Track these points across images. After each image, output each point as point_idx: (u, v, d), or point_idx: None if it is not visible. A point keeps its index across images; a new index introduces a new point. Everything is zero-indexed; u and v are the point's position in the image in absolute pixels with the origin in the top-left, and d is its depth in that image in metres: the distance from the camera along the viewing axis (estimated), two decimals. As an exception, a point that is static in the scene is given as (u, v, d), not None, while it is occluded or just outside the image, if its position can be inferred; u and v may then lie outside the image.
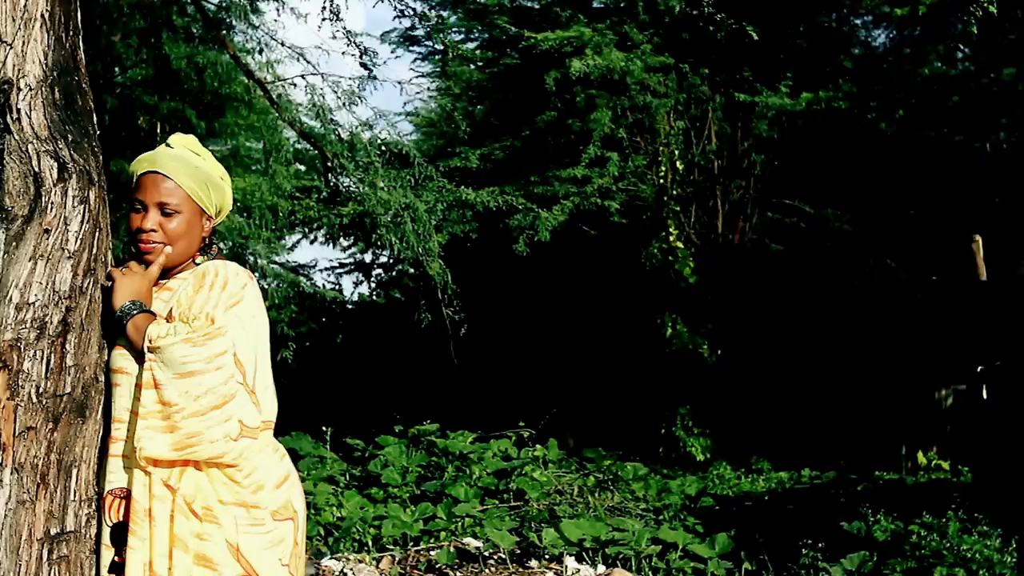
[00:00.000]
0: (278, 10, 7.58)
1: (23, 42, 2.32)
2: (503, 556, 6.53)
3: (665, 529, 7.26)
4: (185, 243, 2.41)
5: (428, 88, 19.13)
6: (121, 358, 2.35)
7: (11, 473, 2.24)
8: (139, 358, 2.32)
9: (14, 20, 2.31)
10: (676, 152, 13.81)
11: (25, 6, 2.33)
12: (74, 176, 2.32)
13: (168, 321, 2.32)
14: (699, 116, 13.88)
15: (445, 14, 16.87)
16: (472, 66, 17.34)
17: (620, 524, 7.17)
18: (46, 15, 2.35)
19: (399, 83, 11.97)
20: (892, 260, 13.95)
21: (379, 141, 7.95)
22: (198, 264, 2.45)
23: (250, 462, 2.30)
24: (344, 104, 8.41)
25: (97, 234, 2.37)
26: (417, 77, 19.15)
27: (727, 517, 7.86)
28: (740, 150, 13.92)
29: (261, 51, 8.14)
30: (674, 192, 13.92)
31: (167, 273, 2.44)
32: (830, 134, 13.53)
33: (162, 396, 2.24)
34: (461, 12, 16.80)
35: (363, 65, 6.12)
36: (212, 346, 2.24)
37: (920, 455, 10.60)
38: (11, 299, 2.26)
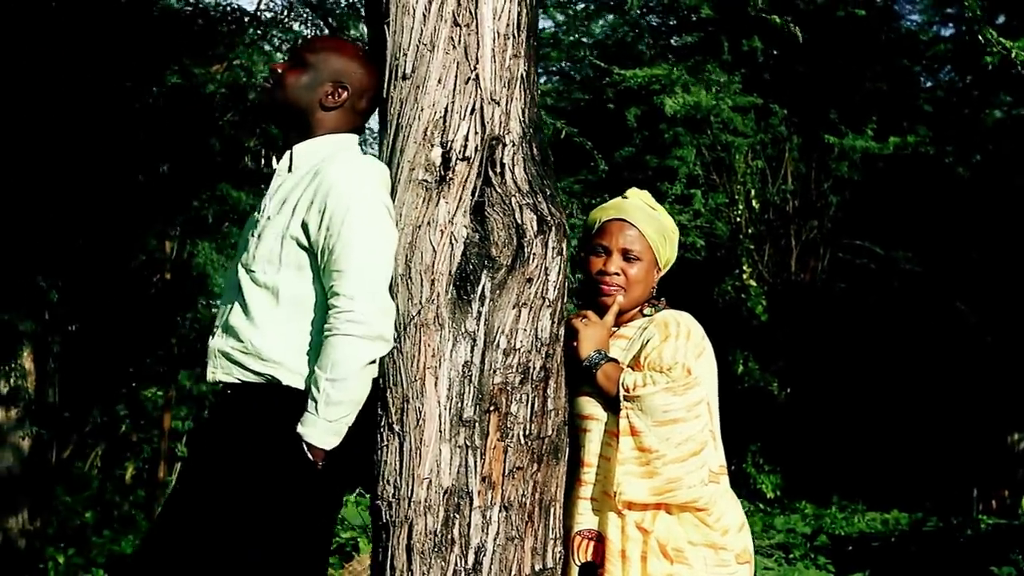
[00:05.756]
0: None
1: (507, 100, 2.45)
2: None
3: (800, 568, 7.34)
4: (640, 290, 2.53)
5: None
6: (589, 404, 2.46)
7: (500, 511, 2.35)
8: (608, 405, 2.43)
9: (501, 79, 2.45)
10: (753, 191, 13.98)
11: (509, 67, 2.46)
12: (553, 229, 2.44)
13: (635, 369, 2.44)
14: (775, 156, 14.05)
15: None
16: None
17: (760, 563, 7.26)
18: (524, 75, 2.49)
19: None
20: (962, 303, 14.08)
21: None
22: (646, 314, 2.57)
23: (718, 506, 2.41)
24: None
25: (566, 284, 2.49)
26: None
27: (851, 557, 7.94)
28: (818, 190, 14.08)
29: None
30: (749, 230, 14.07)
31: (616, 321, 2.56)
32: (908, 177, 13.70)
33: (641, 443, 2.35)
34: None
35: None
36: (691, 395, 2.36)
37: (1024, 501, 10.67)
38: (499, 344, 2.38)
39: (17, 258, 6.96)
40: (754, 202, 14.08)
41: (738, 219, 13.98)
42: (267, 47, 10.25)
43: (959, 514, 11.76)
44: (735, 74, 12.74)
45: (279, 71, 2.42)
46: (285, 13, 8.69)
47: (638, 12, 13.92)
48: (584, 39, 14.86)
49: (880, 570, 7.38)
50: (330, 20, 8.38)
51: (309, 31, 8.66)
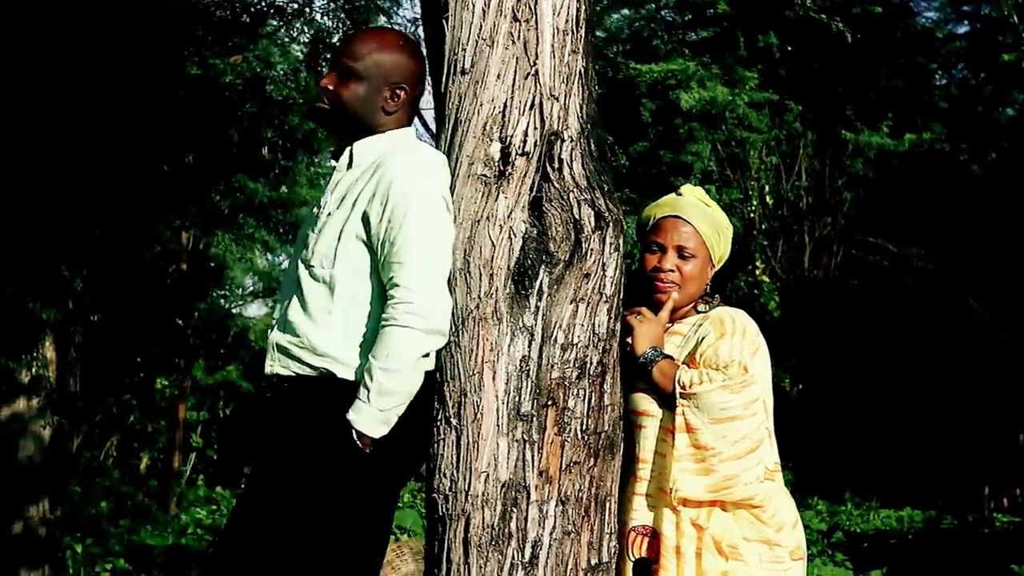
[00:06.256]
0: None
1: (565, 96, 2.46)
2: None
3: (819, 564, 7.35)
4: (695, 287, 2.54)
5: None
6: (644, 401, 2.47)
7: (556, 505, 2.36)
8: (664, 402, 2.44)
9: (560, 75, 2.45)
10: (767, 187, 13.97)
11: (568, 63, 2.47)
12: (610, 225, 2.45)
13: (690, 366, 2.44)
14: (789, 152, 14.04)
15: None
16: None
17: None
18: (583, 71, 2.49)
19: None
20: (975, 301, 14.07)
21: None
22: (700, 311, 2.57)
23: (773, 503, 2.42)
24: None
25: (623, 279, 2.50)
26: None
27: (868, 553, 7.95)
28: (832, 187, 14.08)
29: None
30: (762, 227, 14.07)
31: (670, 317, 2.56)
32: (923, 174, 13.69)
33: (697, 440, 2.36)
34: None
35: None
36: (748, 393, 2.37)
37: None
38: (556, 339, 2.39)
39: (40, 248, 6.98)
40: (768, 198, 14.06)
41: (752, 215, 13.97)
42: (285, 38, 10.26)
43: (971, 511, 11.77)
44: (753, 69, 12.73)
45: (331, 87, 2.39)
46: (306, 3, 8.70)
47: (654, 6, 13.92)
48: (599, 32, 14.83)
49: (898, 567, 7.39)
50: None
51: (331, 22, 8.67)
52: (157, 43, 7.58)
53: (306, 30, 9.00)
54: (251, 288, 14.96)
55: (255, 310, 17.94)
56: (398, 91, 2.40)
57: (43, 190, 6.97)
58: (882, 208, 14.39)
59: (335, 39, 8.78)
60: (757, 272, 14.08)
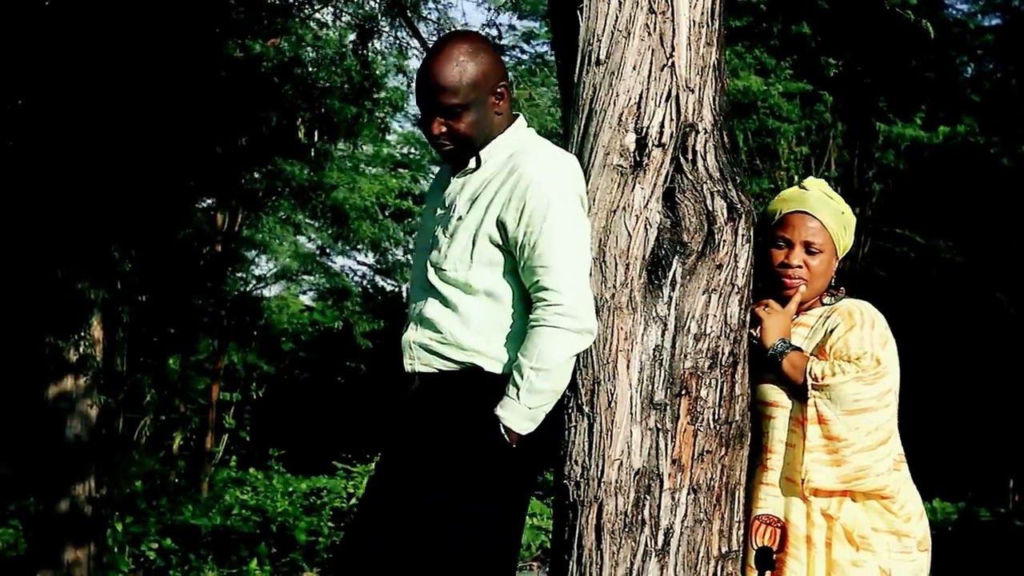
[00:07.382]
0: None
1: (700, 88, 2.47)
2: None
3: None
4: (821, 282, 2.56)
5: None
6: (774, 392, 2.49)
7: (688, 493, 2.39)
8: (793, 393, 2.46)
9: (695, 67, 2.47)
10: (796, 177, 13.94)
11: (703, 55, 2.48)
12: (742, 216, 2.47)
13: (819, 358, 2.46)
14: (819, 142, 14.00)
15: (536, 25, 17.00)
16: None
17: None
18: (716, 63, 2.50)
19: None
20: (1002, 294, 14.07)
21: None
22: (825, 303, 2.59)
23: (902, 494, 2.44)
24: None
25: (753, 271, 2.52)
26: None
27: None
28: (862, 178, 14.06)
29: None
30: (791, 216, 14.03)
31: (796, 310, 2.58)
32: (953, 166, 13.66)
33: (829, 431, 2.38)
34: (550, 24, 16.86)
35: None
36: (881, 384, 2.38)
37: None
38: (689, 329, 2.41)
39: (90, 228, 7.01)
40: (797, 188, 14.04)
41: (781, 205, 13.94)
42: (325, 17, 10.22)
43: (997, 504, 11.79)
44: (789, 60, 12.70)
45: (444, 131, 2.34)
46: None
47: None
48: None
49: (938, 559, 7.39)
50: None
51: (376, 3, 8.64)
52: (199, 24, 7.59)
53: (351, 16, 8.99)
54: (276, 269, 15.01)
55: (275, 290, 18.00)
56: (499, 90, 2.37)
57: (91, 171, 7.00)
58: (910, 200, 14.37)
59: (379, 21, 8.76)
60: (785, 262, 14.06)
